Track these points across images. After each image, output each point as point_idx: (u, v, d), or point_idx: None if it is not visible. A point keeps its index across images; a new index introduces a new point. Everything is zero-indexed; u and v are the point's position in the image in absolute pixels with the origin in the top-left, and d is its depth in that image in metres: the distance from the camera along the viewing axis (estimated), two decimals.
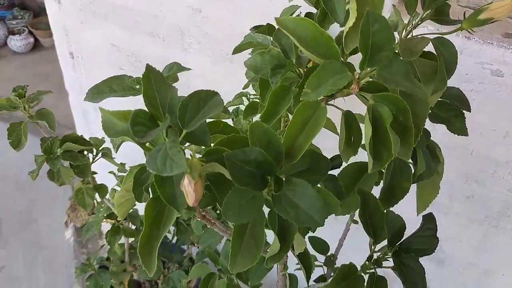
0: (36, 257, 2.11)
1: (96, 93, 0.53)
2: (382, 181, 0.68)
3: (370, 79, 0.46)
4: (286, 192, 0.47)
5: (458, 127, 0.64)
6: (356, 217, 0.82)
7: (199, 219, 1.11)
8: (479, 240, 1.08)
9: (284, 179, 0.46)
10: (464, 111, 0.65)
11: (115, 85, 0.53)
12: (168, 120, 0.41)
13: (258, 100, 0.70)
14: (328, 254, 0.88)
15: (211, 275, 0.89)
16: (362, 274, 0.62)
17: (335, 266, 0.85)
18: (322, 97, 0.50)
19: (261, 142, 0.47)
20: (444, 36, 0.55)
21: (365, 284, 0.59)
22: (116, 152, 0.52)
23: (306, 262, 0.76)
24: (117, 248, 1.15)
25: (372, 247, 0.62)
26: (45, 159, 0.87)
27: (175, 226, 1.21)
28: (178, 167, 0.39)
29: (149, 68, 0.43)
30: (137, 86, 0.53)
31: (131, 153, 0.90)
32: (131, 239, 1.24)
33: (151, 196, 0.47)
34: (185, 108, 0.44)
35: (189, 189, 0.38)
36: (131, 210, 1.16)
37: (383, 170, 0.70)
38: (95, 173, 0.99)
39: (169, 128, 0.41)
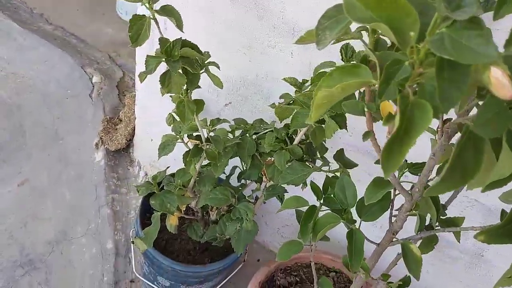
0: (62, 173, 2.06)
1: None
2: None
3: None
4: None
5: None
6: None
7: (283, 151, 1.08)
8: None
9: None
10: None
11: None
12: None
13: None
14: None
15: (314, 208, 0.87)
16: None
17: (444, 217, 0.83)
18: None
19: None
20: None
21: None
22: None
23: (437, 204, 0.75)
24: (192, 170, 1.12)
25: None
26: (164, 61, 0.82)
27: (250, 159, 1.18)
28: (485, 57, 0.35)
29: None
30: None
31: None
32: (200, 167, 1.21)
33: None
34: None
35: (505, 81, 0.34)
36: (213, 134, 1.12)
37: None
38: (199, 87, 0.94)
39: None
